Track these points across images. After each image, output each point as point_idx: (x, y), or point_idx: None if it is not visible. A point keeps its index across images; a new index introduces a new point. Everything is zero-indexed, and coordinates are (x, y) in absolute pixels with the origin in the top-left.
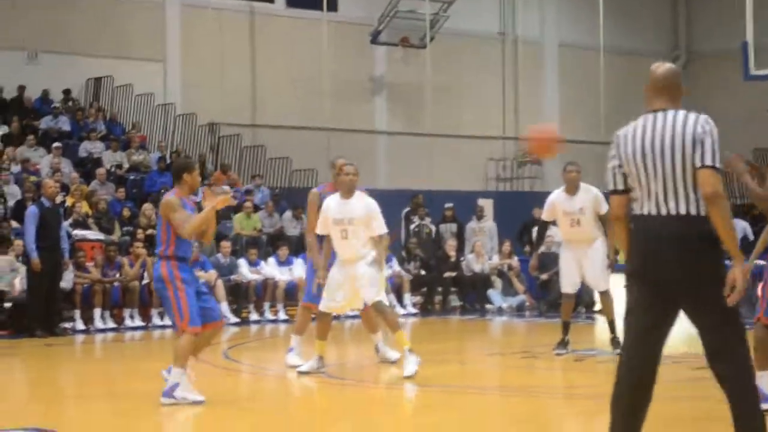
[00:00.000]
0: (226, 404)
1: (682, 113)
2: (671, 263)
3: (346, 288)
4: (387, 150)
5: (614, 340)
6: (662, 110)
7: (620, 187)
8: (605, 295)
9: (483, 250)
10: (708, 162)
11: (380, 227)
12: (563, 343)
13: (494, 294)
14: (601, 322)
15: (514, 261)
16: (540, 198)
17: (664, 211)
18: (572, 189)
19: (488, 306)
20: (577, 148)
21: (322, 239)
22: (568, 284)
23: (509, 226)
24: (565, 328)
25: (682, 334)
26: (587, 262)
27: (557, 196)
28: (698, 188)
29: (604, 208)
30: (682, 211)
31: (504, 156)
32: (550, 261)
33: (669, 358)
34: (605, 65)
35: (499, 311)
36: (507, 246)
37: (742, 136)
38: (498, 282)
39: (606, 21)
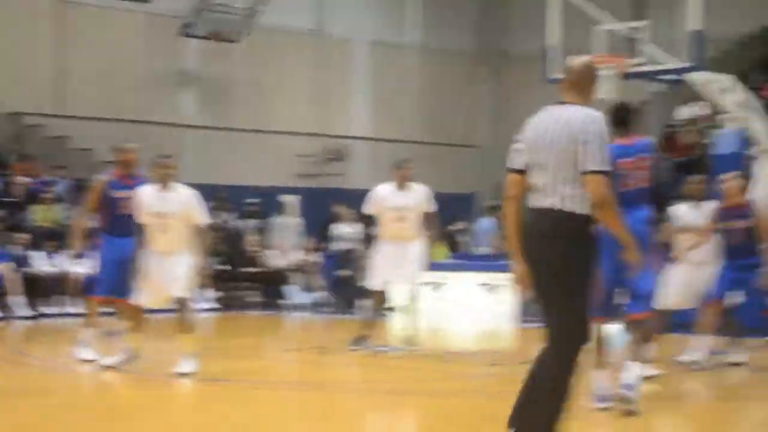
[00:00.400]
0: (17, 397)
1: (574, 108)
2: (535, 252)
3: (158, 281)
4: (194, 144)
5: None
6: (562, 103)
7: (517, 166)
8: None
9: (285, 246)
10: (594, 167)
11: (202, 217)
12: (361, 339)
13: (294, 290)
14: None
15: (316, 257)
16: (345, 195)
17: (538, 204)
18: (403, 185)
19: (287, 302)
20: (389, 146)
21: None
22: (380, 280)
23: (313, 223)
24: (370, 325)
25: (477, 331)
26: (404, 259)
27: (385, 190)
28: (572, 185)
29: (431, 207)
30: (548, 204)
31: (312, 152)
32: (350, 258)
33: (462, 355)
34: (417, 63)
35: (298, 307)
36: (309, 242)
37: None
38: (298, 278)
39: (418, 19)
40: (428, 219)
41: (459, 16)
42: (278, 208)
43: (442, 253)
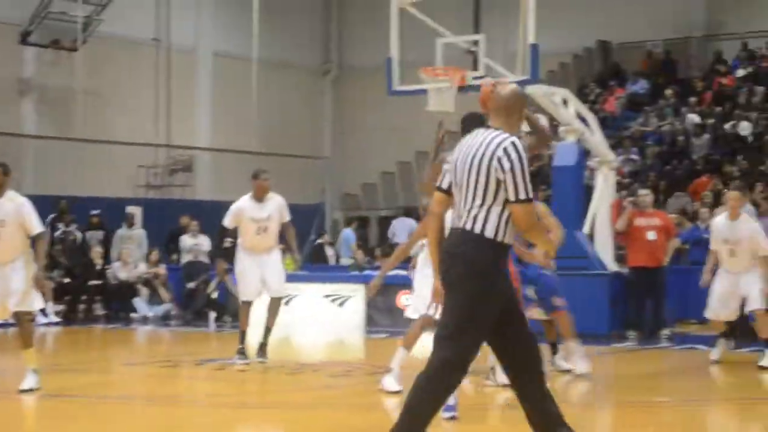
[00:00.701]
0: None
1: (494, 134)
2: (443, 270)
3: None
4: (35, 154)
5: (263, 347)
6: (488, 127)
7: (444, 186)
8: (278, 302)
9: (130, 258)
10: (521, 196)
11: (35, 226)
12: (242, 352)
13: (140, 303)
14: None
15: (162, 269)
16: (190, 206)
17: (454, 224)
18: (262, 196)
19: (133, 315)
20: (230, 157)
21: None
22: (249, 292)
23: (158, 234)
24: (242, 336)
25: (325, 343)
26: (267, 269)
27: (245, 202)
28: (483, 208)
29: (287, 216)
30: (461, 224)
31: (155, 163)
32: (196, 270)
33: (308, 367)
34: (258, 76)
35: (145, 320)
36: (154, 254)
37: (389, 149)
38: (144, 291)
39: (260, 32)
40: (285, 229)
41: (301, 30)
42: (122, 220)
43: (291, 265)
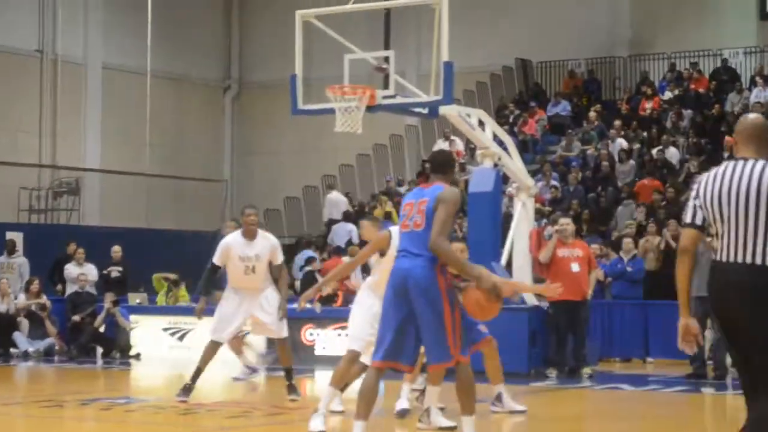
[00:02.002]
0: None
1: (761, 163)
2: (736, 309)
3: None
4: None
5: (290, 387)
6: (744, 159)
7: (698, 222)
8: (284, 342)
9: (9, 288)
10: None
11: None
12: (187, 389)
13: (20, 337)
14: (136, 367)
15: (46, 300)
16: (76, 232)
17: (732, 258)
18: (251, 234)
19: (13, 350)
20: (121, 180)
21: None
22: (223, 333)
23: (41, 263)
24: (196, 373)
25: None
26: (261, 311)
27: (234, 239)
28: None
29: (280, 258)
30: (749, 260)
31: (39, 185)
32: (82, 301)
33: (202, 407)
34: (153, 91)
35: (25, 356)
36: (36, 284)
37: (293, 170)
38: (25, 323)
39: (155, 45)
40: (277, 272)
41: (200, 42)
42: (2, 247)
43: (186, 296)
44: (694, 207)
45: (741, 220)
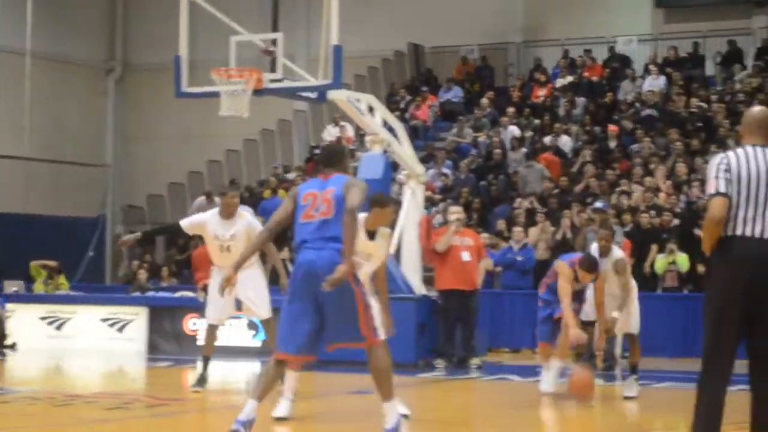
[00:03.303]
0: None
1: None
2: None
3: None
4: None
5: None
6: (761, 146)
7: (728, 191)
8: (267, 323)
9: None
10: None
11: None
12: (202, 380)
13: None
14: (11, 357)
15: None
16: None
17: (756, 233)
18: (228, 214)
19: None
20: (1, 163)
21: None
22: (214, 314)
23: None
24: (205, 363)
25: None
26: (242, 290)
27: (211, 217)
28: None
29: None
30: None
31: None
32: None
33: (80, 398)
34: (32, 72)
35: None
36: None
37: (178, 156)
38: None
39: (35, 24)
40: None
41: (82, 22)
42: None
43: (65, 284)
44: (726, 180)
45: (758, 199)
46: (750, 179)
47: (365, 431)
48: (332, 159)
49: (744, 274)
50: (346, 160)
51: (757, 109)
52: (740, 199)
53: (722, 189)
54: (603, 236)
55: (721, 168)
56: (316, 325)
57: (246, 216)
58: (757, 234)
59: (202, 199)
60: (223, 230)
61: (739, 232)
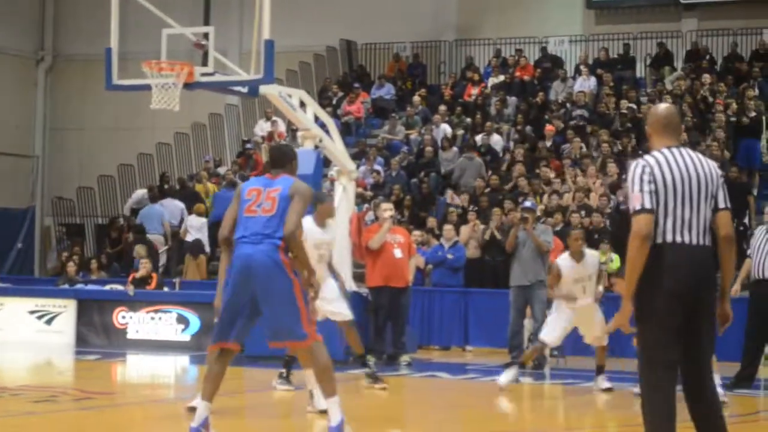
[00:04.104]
0: None
1: (696, 154)
2: (706, 288)
3: None
4: None
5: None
6: (676, 146)
7: (652, 206)
8: (348, 325)
9: None
10: (728, 205)
11: None
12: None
13: None
14: None
15: None
16: None
17: (695, 241)
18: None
19: None
20: None
21: None
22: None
23: None
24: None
25: (26, 365)
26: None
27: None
28: (708, 224)
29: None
30: (702, 242)
31: None
32: None
33: (7, 391)
34: None
35: None
36: None
37: (108, 148)
38: None
39: None
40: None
41: (12, 11)
42: None
43: None
44: (650, 192)
45: (692, 204)
46: (675, 185)
47: (291, 428)
48: (281, 160)
49: (681, 281)
50: (294, 162)
51: (662, 107)
52: (668, 206)
53: (647, 205)
54: (577, 236)
55: (645, 179)
56: (248, 315)
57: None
58: (692, 241)
59: (143, 191)
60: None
61: (669, 239)
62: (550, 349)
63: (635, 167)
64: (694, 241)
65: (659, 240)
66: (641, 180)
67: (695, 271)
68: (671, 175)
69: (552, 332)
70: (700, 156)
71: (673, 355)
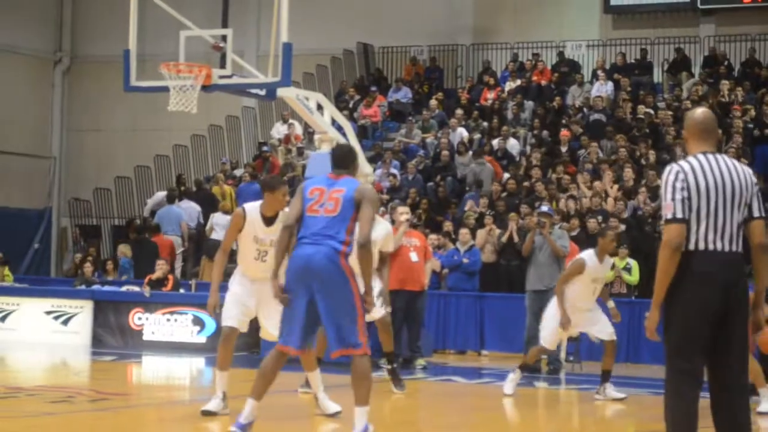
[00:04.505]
0: None
1: (732, 160)
2: (735, 296)
3: None
4: None
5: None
6: (712, 153)
7: (686, 216)
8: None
9: None
10: (763, 214)
11: None
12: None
13: None
14: None
15: None
16: None
17: (728, 248)
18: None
19: None
20: None
21: None
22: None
23: None
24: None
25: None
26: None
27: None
28: (740, 231)
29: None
30: (734, 248)
31: None
32: None
33: (23, 391)
34: None
35: None
36: None
37: (125, 149)
38: None
39: None
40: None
41: (30, 11)
42: None
43: (9, 277)
44: (682, 201)
45: (725, 211)
46: (709, 192)
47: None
48: (344, 160)
49: (714, 288)
50: (356, 163)
51: (699, 111)
52: (701, 213)
53: (679, 214)
54: (613, 237)
55: (677, 187)
56: (312, 319)
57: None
58: (723, 248)
59: (162, 193)
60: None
61: (702, 246)
62: (566, 354)
63: (669, 173)
64: (726, 248)
65: (691, 247)
66: (674, 187)
67: (726, 278)
68: (705, 182)
69: (547, 337)
70: (736, 162)
71: (696, 364)
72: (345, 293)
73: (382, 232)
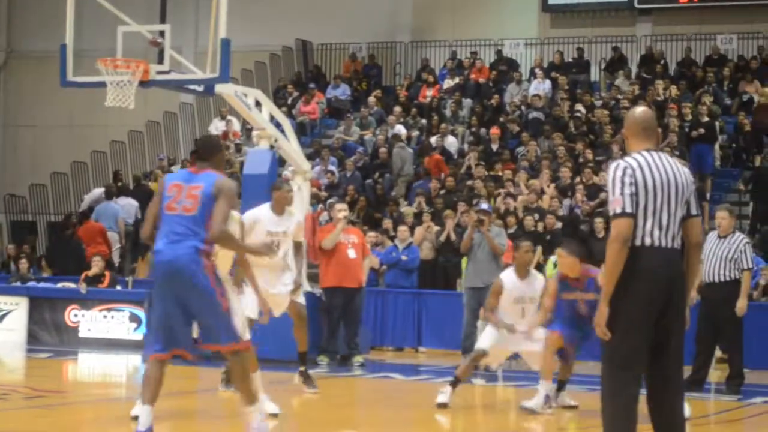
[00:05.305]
0: None
1: (671, 159)
2: (677, 290)
3: None
4: None
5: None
6: (654, 150)
7: (632, 210)
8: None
9: None
10: (699, 212)
11: None
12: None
13: None
14: None
15: None
16: None
17: (671, 244)
18: (282, 209)
19: None
20: None
21: None
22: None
23: None
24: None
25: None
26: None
27: (263, 213)
28: (680, 228)
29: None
30: (676, 245)
31: None
32: None
33: None
34: None
35: None
36: None
37: (62, 145)
38: None
39: None
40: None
41: None
42: None
43: None
44: (630, 196)
45: (670, 208)
46: (656, 189)
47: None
48: (207, 152)
49: (659, 285)
50: (221, 155)
51: (640, 110)
52: (648, 209)
53: (628, 209)
54: (528, 247)
55: (626, 182)
56: (183, 320)
57: (295, 213)
58: (667, 245)
59: (100, 190)
60: (276, 226)
61: (648, 242)
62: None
63: (616, 169)
64: (670, 245)
65: (638, 243)
66: (622, 182)
67: (669, 274)
68: (652, 179)
69: (485, 340)
70: (674, 161)
71: (640, 360)
72: (209, 293)
73: (293, 222)
